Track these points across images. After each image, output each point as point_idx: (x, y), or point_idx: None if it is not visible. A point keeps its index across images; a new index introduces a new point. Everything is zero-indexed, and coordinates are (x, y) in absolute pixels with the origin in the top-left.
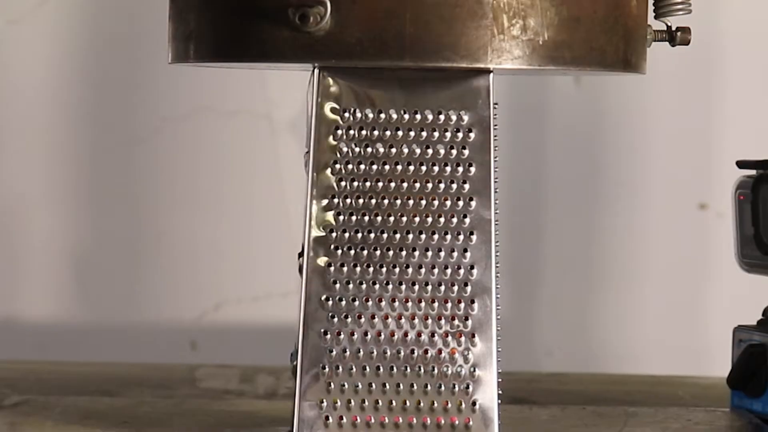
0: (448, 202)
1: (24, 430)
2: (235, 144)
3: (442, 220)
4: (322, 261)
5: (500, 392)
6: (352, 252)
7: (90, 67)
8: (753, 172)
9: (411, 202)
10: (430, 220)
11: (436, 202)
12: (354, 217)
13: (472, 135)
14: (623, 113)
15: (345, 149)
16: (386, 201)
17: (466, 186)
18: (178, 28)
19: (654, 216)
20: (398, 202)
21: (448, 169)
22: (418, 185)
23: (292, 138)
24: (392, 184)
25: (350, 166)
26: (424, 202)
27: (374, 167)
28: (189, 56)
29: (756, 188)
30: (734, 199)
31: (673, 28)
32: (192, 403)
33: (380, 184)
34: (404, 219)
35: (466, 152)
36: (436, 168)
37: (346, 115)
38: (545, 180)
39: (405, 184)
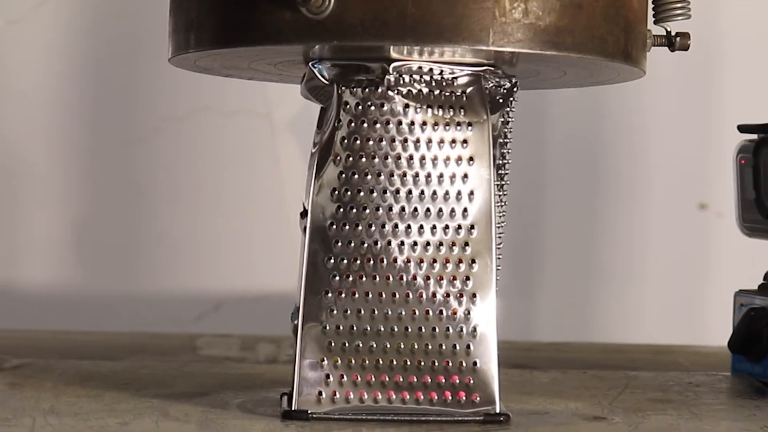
0: (450, 163)
1: (24, 390)
2: (235, 144)
3: (443, 181)
4: (324, 221)
5: (499, 353)
6: (354, 212)
7: (90, 67)
8: (754, 136)
9: (413, 162)
10: (431, 180)
11: (437, 163)
12: (356, 177)
13: (466, 96)
14: (623, 113)
15: (348, 105)
16: (389, 161)
17: (466, 147)
18: (179, 20)
19: (654, 216)
20: (401, 162)
21: (449, 130)
22: (420, 147)
23: (292, 138)
24: (395, 144)
25: (353, 125)
26: (425, 163)
27: (377, 126)
28: (190, 46)
29: (757, 152)
30: (735, 163)
31: (673, 34)
32: (193, 366)
33: (383, 144)
34: (407, 179)
35: (462, 113)
36: (437, 130)
37: (350, 76)
38: (545, 180)
39: (408, 144)
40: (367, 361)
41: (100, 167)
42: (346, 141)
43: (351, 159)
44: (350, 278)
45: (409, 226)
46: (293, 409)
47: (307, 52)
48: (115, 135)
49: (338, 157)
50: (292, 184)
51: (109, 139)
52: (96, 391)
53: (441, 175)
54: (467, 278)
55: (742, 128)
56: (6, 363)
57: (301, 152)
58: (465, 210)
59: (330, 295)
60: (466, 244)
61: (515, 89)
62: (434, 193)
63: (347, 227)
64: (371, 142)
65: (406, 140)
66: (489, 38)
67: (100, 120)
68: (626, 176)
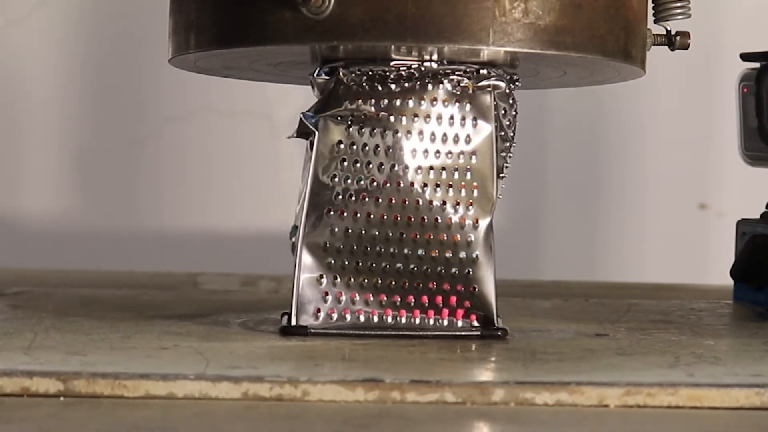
0: (456, 90)
1: (25, 311)
2: (235, 144)
3: (448, 105)
4: (330, 139)
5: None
6: (361, 131)
7: (91, 68)
8: (757, 64)
9: (417, 84)
10: (437, 103)
11: (442, 84)
12: (360, 101)
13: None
14: (623, 113)
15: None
16: (392, 86)
17: (471, 78)
18: (179, 21)
19: (654, 215)
20: (405, 84)
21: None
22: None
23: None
24: (400, 80)
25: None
26: (430, 86)
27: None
28: (190, 47)
29: (760, 80)
30: (738, 92)
31: (673, 33)
32: (194, 294)
33: (385, 69)
34: (410, 101)
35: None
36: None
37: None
38: (546, 181)
39: (413, 79)
40: (366, 281)
41: (99, 168)
42: (353, 72)
43: (355, 86)
44: (353, 198)
45: (414, 150)
46: (292, 324)
47: (306, 53)
48: (116, 135)
49: (344, 75)
50: (292, 184)
51: (110, 140)
52: (98, 313)
53: (445, 101)
54: (469, 204)
55: (745, 56)
56: (7, 289)
57: (301, 152)
58: (468, 136)
59: (332, 213)
60: (468, 169)
61: (515, 85)
62: (439, 116)
63: (355, 146)
64: (376, 63)
65: (412, 73)
66: (489, 38)
67: (101, 120)
68: (626, 179)
